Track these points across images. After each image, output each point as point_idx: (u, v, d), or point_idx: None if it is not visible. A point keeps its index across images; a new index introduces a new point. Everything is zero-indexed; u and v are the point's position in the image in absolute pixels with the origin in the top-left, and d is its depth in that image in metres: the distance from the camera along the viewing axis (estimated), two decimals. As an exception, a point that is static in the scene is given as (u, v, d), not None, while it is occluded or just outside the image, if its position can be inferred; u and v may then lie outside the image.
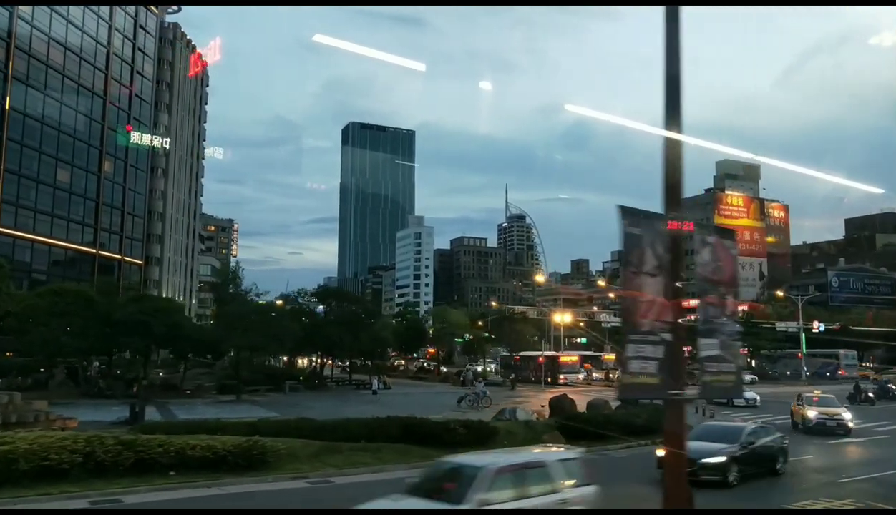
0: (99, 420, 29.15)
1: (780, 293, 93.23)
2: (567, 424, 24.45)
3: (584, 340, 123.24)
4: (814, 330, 71.22)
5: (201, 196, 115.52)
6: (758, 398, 43.14)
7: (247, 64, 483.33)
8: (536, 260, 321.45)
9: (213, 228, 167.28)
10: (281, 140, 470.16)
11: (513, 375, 63.64)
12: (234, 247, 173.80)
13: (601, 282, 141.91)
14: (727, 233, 6.09)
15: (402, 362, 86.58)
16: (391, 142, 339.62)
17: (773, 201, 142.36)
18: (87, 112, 79.43)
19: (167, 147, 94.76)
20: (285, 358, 71.49)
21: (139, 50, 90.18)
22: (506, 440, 23.09)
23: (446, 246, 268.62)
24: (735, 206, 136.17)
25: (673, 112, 5.80)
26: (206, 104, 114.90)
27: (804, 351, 71.39)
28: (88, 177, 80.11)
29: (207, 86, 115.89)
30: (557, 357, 66.49)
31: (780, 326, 73.40)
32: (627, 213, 5.43)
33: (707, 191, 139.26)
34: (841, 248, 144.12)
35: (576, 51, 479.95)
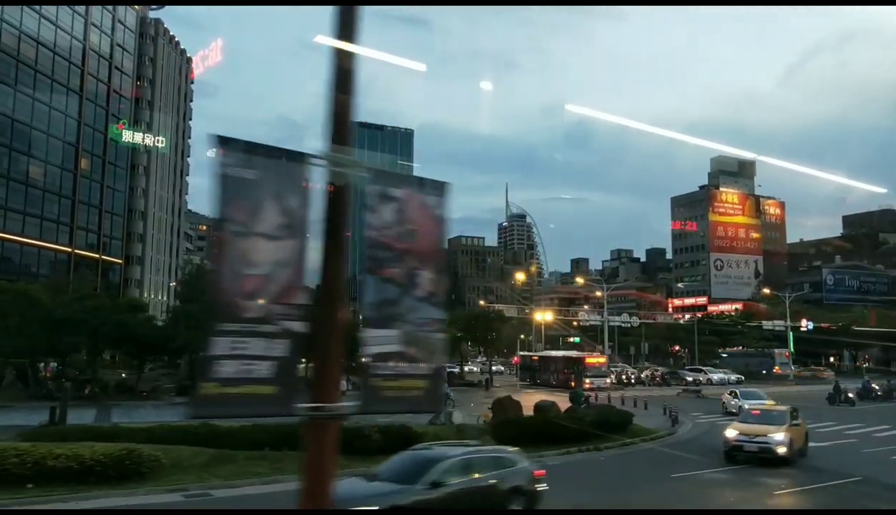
0: (20, 424, 27.54)
1: (766, 291, 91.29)
2: (503, 427, 22.77)
3: (577, 339, 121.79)
4: (801, 329, 69.39)
5: (187, 194, 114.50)
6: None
7: (252, 63, 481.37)
8: (537, 258, 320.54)
9: (204, 227, 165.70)
10: (285, 140, 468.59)
11: (487, 377, 60.84)
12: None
13: (580, 280, 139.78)
14: (429, 186, 4.40)
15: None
16: (389, 141, 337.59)
17: (769, 198, 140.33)
18: (62, 108, 78.05)
19: (161, 145, 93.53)
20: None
21: (118, 45, 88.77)
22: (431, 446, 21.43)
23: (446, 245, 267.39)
24: (730, 203, 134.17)
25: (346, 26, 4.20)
26: (191, 101, 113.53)
27: (792, 350, 69.57)
28: (64, 175, 78.76)
29: (192, 82, 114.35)
30: (582, 358, 59.01)
31: (767, 325, 71.59)
32: (229, 146, 3.75)
33: (701, 187, 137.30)
34: (839, 247, 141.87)
35: (579, 50, 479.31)
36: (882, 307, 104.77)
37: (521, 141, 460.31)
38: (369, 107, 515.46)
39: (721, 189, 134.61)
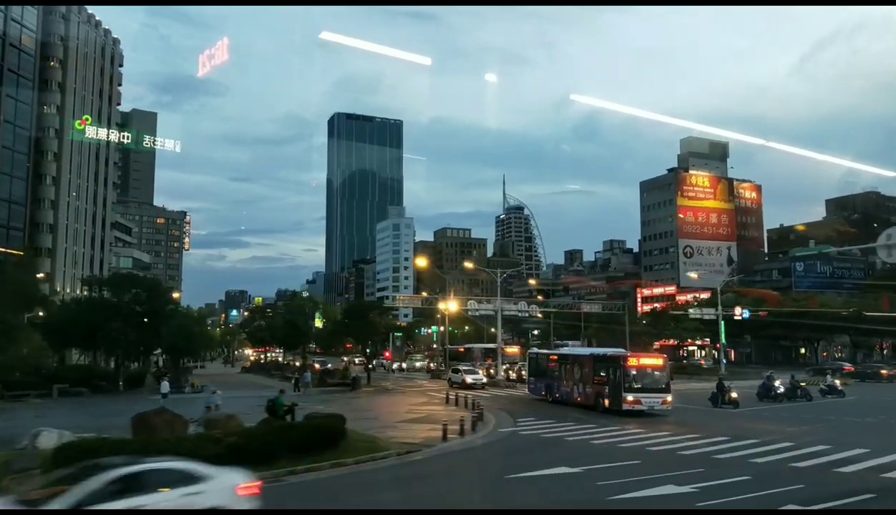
0: None
1: (693, 275, 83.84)
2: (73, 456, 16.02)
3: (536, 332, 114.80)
4: (735, 317, 62.02)
5: (115, 181, 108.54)
6: None
7: (261, 62, 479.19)
8: (535, 251, 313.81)
9: (161, 220, 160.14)
10: (296, 137, 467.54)
11: (355, 377, 52.88)
12: (187, 240, 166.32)
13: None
14: None
15: (295, 360, 78.35)
16: (378, 132, 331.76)
17: (743, 181, 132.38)
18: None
19: (127, 141, 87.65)
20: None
21: (13, 21, 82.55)
22: None
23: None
24: (700, 187, 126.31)
25: None
26: (119, 85, 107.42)
27: (723, 340, 62.35)
28: (-60, 160, 72.83)
29: (122, 66, 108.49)
30: (619, 358, 34.57)
31: (695, 313, 64.37)
32: None
33: (670, 170, 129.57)
34: (831, 232, 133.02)
35: (589, 43, 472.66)
36: (856, 294, 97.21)
37: (530, 135, 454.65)
38: (377, 104, 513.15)
39: (691, 171, 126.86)
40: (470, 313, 61.99)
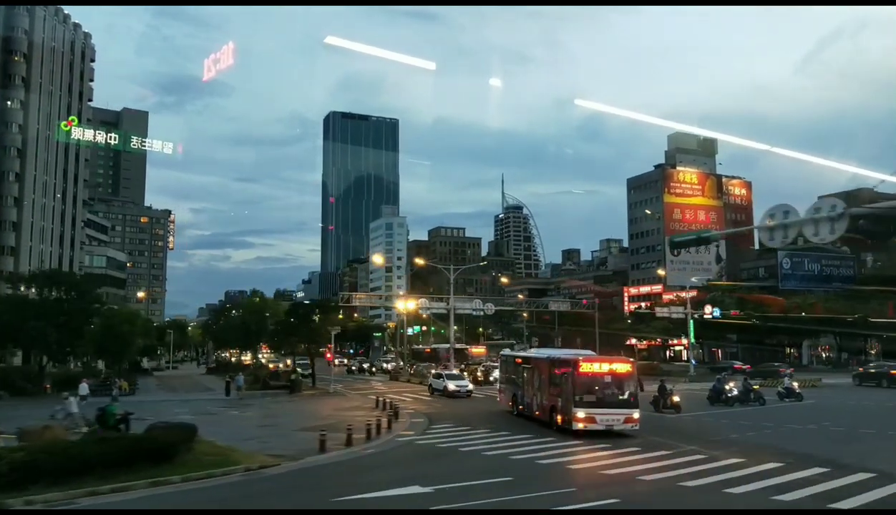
0: None
1: (661, 271, 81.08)
2: None
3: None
4: (706, 316, 59.44)
5: (86, 178, 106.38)
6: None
7: (265, 62, 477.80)
8: (534, 250, 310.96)
9: (145, 219, 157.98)
10: (299, 137, 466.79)
11: (294, 378, 50.44)
12: (171, 239, 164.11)
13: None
14: None
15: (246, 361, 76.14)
16: (374, 131, 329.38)
17: (732, 178, 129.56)
18: None
19: (114, 142, 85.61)
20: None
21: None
22: None
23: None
24: (688, 183, 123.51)
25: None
26: (91, 81, 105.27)
27: (693, 340, 59.78)
28: None
29: (93, 61, 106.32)
30: (573, 363, 26.48)
31: (662, 312, 61.82)
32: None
33: (657, 167, 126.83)
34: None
35: (592, 42, 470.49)
36: (840, 292, 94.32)
37: (533, 134, 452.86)
38: (379, 103, 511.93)
39: (678, 168, 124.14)
40: (422, 311, 59.57)
